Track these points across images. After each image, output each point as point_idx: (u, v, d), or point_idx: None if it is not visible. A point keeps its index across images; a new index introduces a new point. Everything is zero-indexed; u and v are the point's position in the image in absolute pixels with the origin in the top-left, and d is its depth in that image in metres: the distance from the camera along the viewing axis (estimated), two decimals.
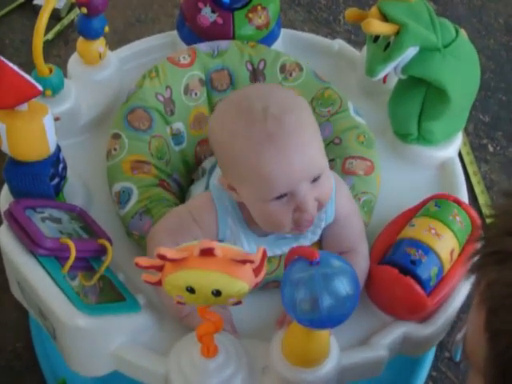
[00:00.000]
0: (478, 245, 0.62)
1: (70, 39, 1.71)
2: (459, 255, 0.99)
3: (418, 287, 0.93)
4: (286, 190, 0.87)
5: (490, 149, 1.63)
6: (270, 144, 0.86)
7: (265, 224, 0.91)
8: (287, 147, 0.86)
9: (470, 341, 0.62)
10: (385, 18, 1.03)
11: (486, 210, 1.51)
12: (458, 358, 0.67)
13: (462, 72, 1.06)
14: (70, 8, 1.76)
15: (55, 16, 1.74)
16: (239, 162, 0.88)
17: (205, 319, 0.80)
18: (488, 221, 0.63)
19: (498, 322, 0.58)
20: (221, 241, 0.94)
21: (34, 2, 1.76)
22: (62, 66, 1.20)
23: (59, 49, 1.71)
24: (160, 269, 0.72)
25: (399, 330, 0.95)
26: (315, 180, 0.88)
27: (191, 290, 0.71)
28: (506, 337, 0.57)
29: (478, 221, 1.02)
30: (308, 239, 0.97)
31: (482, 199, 1.54)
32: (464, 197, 1.09)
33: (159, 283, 0.73)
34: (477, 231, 1.01)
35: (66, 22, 1.75)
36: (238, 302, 0.76)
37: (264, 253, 0.71)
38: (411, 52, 1.04)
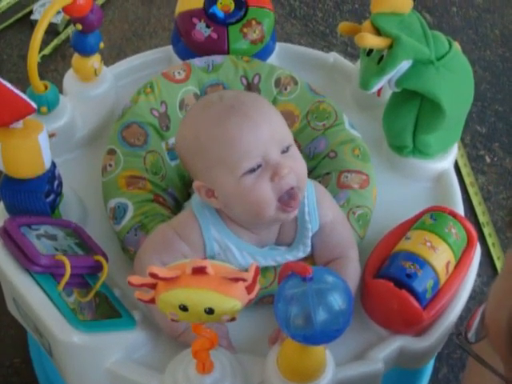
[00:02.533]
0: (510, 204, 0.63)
1: (68, 54, 1.72)
2: (455, 267, 0.99)
3: (413, 300, 0.92)
4: (258, 155, 0.87)
5: (487, 160, 1.64)
6: (232, 113, 0.88)
7: (248, 212, 0.90)
8: (251, 113, 0.88)
9: (495, 305, 0.62)
10: (378, 31, 1.04)
11: (483, 220, 1.52)
12: (474, 340, 0.67)
13: (455, 84, 1.07)
14: (68, 23, 1.77)
15: (53, 31, 1.75)
16: (205, 143, 0.89)
17: (200, 335, 0.80)
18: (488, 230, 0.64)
19: None
20: (211, 257, 0.94)
21: (32, 17, 1.77)
22: (59, 80, 1.21)
23: (56, 63, 1.72)
24: (153, 287, 0.72)
25: (395, 344, 0.95)
26: (284, 152, 0.89)
27: (184, 308, 0.71)
28: None
29: (474, 232, 1.02)
30: (301, 251, 0.97)
31: (479, 210, 1.54)
32: (460, 209, 1.09)
33: (152, 301, 0.74)
34: (472, 243, 1.01)
35: (63, 36, 1.75)
36: (232, 319, 0.75)
37: (257, 270, 0.71)
38: (405, 65, 1.04)
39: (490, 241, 1.49)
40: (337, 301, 0.75)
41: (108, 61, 1.24)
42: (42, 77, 1.09)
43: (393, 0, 1.04)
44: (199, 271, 0.69)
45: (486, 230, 1.51)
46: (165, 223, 0.97)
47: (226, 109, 0.89)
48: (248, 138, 0.87)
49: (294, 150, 0.91)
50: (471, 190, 1.57)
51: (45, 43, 1.73)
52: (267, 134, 0.88)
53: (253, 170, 0.88)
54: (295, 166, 0.89)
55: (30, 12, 1.79)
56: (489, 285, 1.41)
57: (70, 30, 1.75)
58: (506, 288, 0.61)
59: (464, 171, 1.60)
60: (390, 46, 1.03)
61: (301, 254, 0.97)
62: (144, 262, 0.91)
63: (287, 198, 0.89)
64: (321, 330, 0.75)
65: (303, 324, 0.75)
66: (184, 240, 0.93)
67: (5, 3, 1.81)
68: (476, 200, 1.55)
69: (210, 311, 0.72)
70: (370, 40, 1.01)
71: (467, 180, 1.59)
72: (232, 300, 0.71)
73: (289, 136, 0.92)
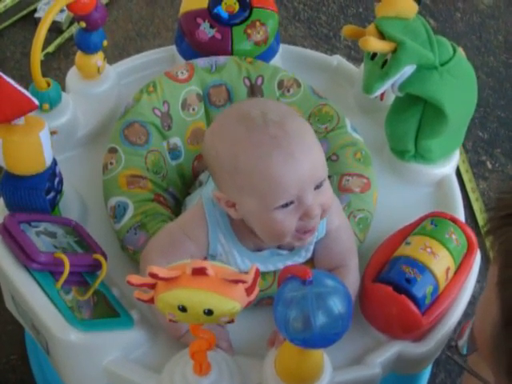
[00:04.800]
0: (490, 213, 0.64)
1: (71, 52, 1.72)
2: (455, 274, 0.99)
3: (412, 306, 0.92)
4: (295, 195, 0.86)
5: (489, 166, 1.63)
6: (275, 147, 0.85)
7: (267, 235, 0.90)
8: (293, 150, 0.85)
9: (480, 317, 0.64)
10: (382, 35, 1.04)
11: (484, 226, 1.51)
12: (465, 352, 0.69)
13: (459, 90, 1.07)
14: (71, 21, 1.77)
15: (56, 29, 1.75)
16: (242, 171, 0.86)
17: (197, 336, 0.79)
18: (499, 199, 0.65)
19: (508, 270, 0.60)
20: (212, 256, 0.94)
21: (36, 15, 1.77)
22: (62, 78, 1.21)
23: (60, 62, 1.72)
24: (152, 287, 0.72)
25: (393, 349, 0.95)
26: (318, 187, 0.88)
27: (183, 309, 0.71)
28: None
29: (474, 239, 1.01)
30: (302, 257, 0.96)
31: (480, 216, 1.53)
32: (460, 215, 1.09)
33: (151, 301, 0.73)
34: (472, 249, 1.01)
35: (66, 35, 1.75)
36: (231, 321, 0.75)
37: (257, 272, 0.71)
38: (408, 70, 1.04)
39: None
40: (336, 305, 0.75)
41: (111, 60, 1.24)
42: (45, 75, 1.09)
43: (398, 4, 1.04)
44: (199, 272, 0.69)
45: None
46: (171, 223, 0.97)
47: (269, 140, 0.85)
48: (288, 178, 0.85)
49: (326, 183, 0.90)
50: (472, 196, 1.56)
51: (48, 41, 1.73)
52: (307, 173, 0.86)
53: (285, 206, 0.87)
54: (324, 202, 0.89)
55: (34, 10, 1.79)
56: None
57: (74, 28, 1.75)
58: (487, 301, 0.62)
59: (465, 177, 1.60)
60: (394, 51, 1.03)
61: (301, 260, 0.97)
62: (148, 262, 0.90)
63: (307, 232, 0.89)
64: (320, 334, 0.75)
65: (302, 327, 0.75)
66: (190, 237, 0.93)
67: (9, 1, 1.81)
68: (477, 206, 1.55)
69: (208, 312, 0.71)
70: (374, 44, 1.01)
71: (468, 186, 1.58)
72: (231, 302, 0.71)
73: (325, 171, 0.89)
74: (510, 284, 0.60)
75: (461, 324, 0.71)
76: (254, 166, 0.85)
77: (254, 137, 0.85)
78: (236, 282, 0.70)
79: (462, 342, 0.69)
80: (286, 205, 0.86)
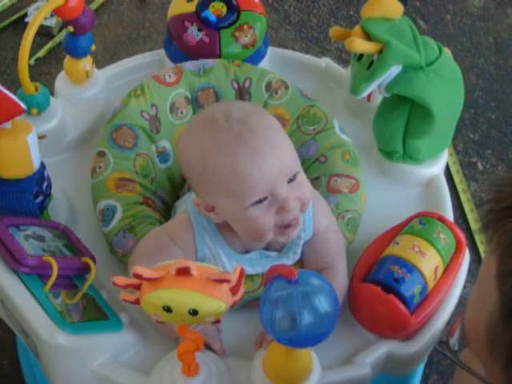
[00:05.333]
0: (488, 205, 0.63)
1: (62, 57, 1.71)
2: (443, 273, 0.99)
3: (401, 305, 0.92)
4: (266, 190, 0.86)
5: (480, 167, 1.64)
6: (240, 145, 0.85)
7: (247, 234, 0.90)
8: (259, 146, 0.85)
9: (473, 311, 0.64)
10: (368, 36, 1.04)
11: (475, 227, 1.52)
12: (456, 348, 0.69)
13: (445, 90, 1.07)
14: (62, 26, 1.77)
15: (47, 33, 1.75)
16: (212, 173, 0.87)
17: (185, 337, 0.79)
18: (498, 187, 0.65)
19: (509, 261, 0.59)
20: (201, 260, 0.94)
21: (26, 20, 1.77)
22: (53, 83, 1.21)
23: (50, 66, 1.72)
24: (138, 287, 0.72)
25: (383, 349, 0.95)
26: (292, 180, 0.88)
27: (168, 309, 0.71)
28: None
29: (462, 238, 1.02)
30: (290, 258, 0.96)
31: (471, 217, 1.54)
32: (449, 214, 1.09)
33: (137, 302, 0.73)
34: (461, 248, 1.01)
35: (57, 39, 1.76)
36: (217, 321, 0.75)
37: (241, 272, 0.71)
38: (395, 70, 1.04)
39: (481, 248, 1.49)
40: (322, 304, 0.75)
41: (102, 64, 1.25)
42: (35, 79, 1.09)
43: (383, 5, 1.05)
44: (183, 272, 0.69)
45: (478, 237, 1.51)
46: (158, 228, 0.97)
47: (234, 138, 0.86)
48: (257, 174, 0.85)
49: (301, 176, 0.90)
50: (463, 197, 1.57)
51: (39, 46, 1.74)
52: (276, 168, 0.86)
53: (259, 202, 0.87)
54: (301, 194, 0.89)
55: (25, 15, 1.79)
56: None
57: (65, 33, 1.75)
58: (482, 294, 0.62)
59: (456, 178, 1.60)
60: (380, 51, 1.03)
61: (289, 262, 0.97)
62: (136, 266, 0.90)
63: (287, 225, 0.89)
64: (306, 333, 0.75)
65: (288, 327, 0.75)
66: (178, 245, 0.93)
67: None
68: (468, 207, 1.55)
69: (193, 312, 0.71)
70: (360, 45, 1.01)
71: (459, 187, 1.59)
72: (216, 301, 0.71)
73: (296, 163, 0.89)
74: (511, 276, 0.59)
75: (451, 321, 0.72)
76: (222, 166, 0.86)
77: (219, 138, 0.86)
78: (220, 281, 0.70)
79: (454, 339, 0.69)
80: (260, 201, 0.87)
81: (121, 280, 0.71)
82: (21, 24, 1.78)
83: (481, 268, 0.65)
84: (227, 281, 0.70)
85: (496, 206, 0.63)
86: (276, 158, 0.86)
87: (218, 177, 0.86)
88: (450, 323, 0.75)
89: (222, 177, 0.86)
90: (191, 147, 0.89)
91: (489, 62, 1.82)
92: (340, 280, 0.95)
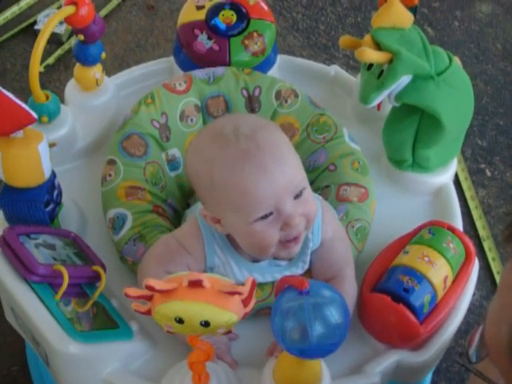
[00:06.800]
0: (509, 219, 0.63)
1: (71, 64, 1.73)
2: (453, 282, 0.99)
3: (410, 315, 0.92)
4: (271, 206, 0.86)
5: (488, 173, 1.64)
6: (247, 160, 0.86)
7: (251, 248, 0.91)
8: (266, 162, 0.86)
9: (494, 320, 0.63)
10: (378, 46, 1.04)
11: (483, 234, 1.52)
12: (474, 359, 0.68)
13: (455, 99, 1.07)
14: (71, 33, 1.78)
15: (56, 41, 1.76)
16: (218, 187, 0.87)
17: (196, 347, 0.80)
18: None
19: None
20: (210, 268, 0.94)
21: (36, 27, 1.78)
22: (62, 90, 1.22)
23: (60, 73, 1.73)
24: (149, 298, 0.73)
25: (392, 358, 0.95)
26: (298, 196, 0.88)
27: (180, 321, 0.72)
28: None
29: (472, 247, 1.02)
30: (300, 268, 0.97)
31: (480, 224, 1.54)
32: (459, 224, 1.09)
33: (149, 313, 0.74)
34: (470, 258, 1.01)
35: (66, 46, 1.77)
36: (228, 332, 0.76)
37: (253, 284, 0.71)
38: (405, 80, 1.05)
39: (490, 255, 1.49)
40: (333, 315, 0.75)
41: (111, 72, 1.25)
42: (44, 86, 1.10)
43: (393, 15, 1.05)
44: (195, 284, 0.69)
45: (486, 245, 1.51)
46: (168, 234, 0.97)
47: (241, 154, 0.86)
48: (262, 190, 0.85)
49: (307, 193, 0.90)
50: (471, 204, 1.57)
51: (48, 53, 1.74)
52: (282, 184, 0.86)
53: (264, 217, 0.87)
54: (306, 211, 0.89)
55: (34, 22, 1.80)
56: (489, 299, 1.40)
57: (74, 40, 1.75)
58: (504, 303, 0.62)
59: (464, 185, 1.60)
60: (390, 61, 1.03)
61: (299, 271, 0.97)
62: (149, 274, 0.91)
63: (291, 241, 0.89)
64: (317, 344, 0.75)
65: (299, 338, 0.75)
66: (188, 251, 0.93)
67: (9, 13, 1.82)
68: (476, 214, 1.55)
69: (205, 324, 0.72)
70: (370, 55, 1.01)
71: (468, 194, 1.59)
72: (228, 313, 0.71)
73: (303, 180, 0.90)
74: None
75: (470, 332, 0.71)
76: (229, 181, 0.86)
77: (226, 152, 0.87)
78: (232, 293, 0.70)
79: (472, 350, 0.69)
80: (266, 216, 0.87)
81: (133, 291, 0.72)
82: (30, 31, 1.79)
83: (502, 277, 0.64)
84: (239, 293, 0.70)
85: None
86: (282, 174, 0.86)
87: (224, 191, 0.87)
88: (467, 334, 0.74)
89: (227, 191, 0.87)
90: (199, 160, 0.90)
91: (497, 68, 1.82)
92: (348, 287, 0.95)
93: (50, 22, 1.04)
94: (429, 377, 1.24)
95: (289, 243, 0.90)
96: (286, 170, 0.87)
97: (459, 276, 0.99)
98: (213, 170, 0.87)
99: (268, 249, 0.89)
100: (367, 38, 1.04)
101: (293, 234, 0.89)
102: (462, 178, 1.61)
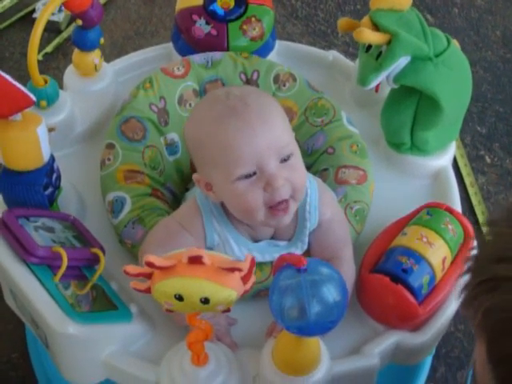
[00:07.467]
0: (467, 278, 0.60)
1: (69, 52, 1.72)
2: (451, 263, 0.99)
3: (409, 295, 0.93)
4: (254, 165, 0.87)
5: (488, 160, 1.64)
6: (233, 116, 0.87)
7: (236, 209, 0.90)
8: (251, 119, 0.87)
9: (479, 374, 0.61)
10: (376, 27, 1.04)
11: (483, 220, 1.52)
12: None
13: (453, 81, 1.07)
14: (70, 21, 1.77)
15: (55, 29, 1.76)
16: (205, 144, 0.89)
17: (194, 327, 0.80)
18: (476, 250, 0.62)
19: (498, 349, 0.57)
20: (210, 248, 0.95)
21: (34, 16, 1.78)
22: (61, 78, 1.21)
23: (58, 61, 1.73)
24: (149, 276, 0.73)
25: (391, 339, 0.95)
26: (285, 160, 0.88)
27: (179, 298, 0.72)
28: (508, 362, 0.56)
29: (470, 228, 1.02)
30: (299, 248, 0.97)
31: (479, 210, 1.54)
32: (457, 205, 1.10)
33: (148, 291, 0.74)
34: (469, 239, 1.01)
35: (65, 35, 1.76)
36: (227, 310, 0.76)
37: (252, 261, 0.71)
38: (403, 61, 1.04)
39: None
40: (331, 292, 0.75)
41: (109, 59, 1.25)
42: (43, 74, 1.10)
43: None
44: (195, 260, 0.69)
45: (486, 230, 1.51)
46: (168, 217, 0.98)
47: (227, 110, 0.87)
48: (242, 146, 0.86)
49: (295, 160, 0.89)
50: (471, 190, 1.57)
51: (47, 41, 1.74)
52: (264, 142, 0.86)
53: (248, 176, 0.87)
54: (293, 177, 0.88)
55: (33, 10, 1.80)
56: None
57: (72, 28, 1.75)
58: (482, 356, 0.59)
59: (464, 171, 1.60)
60: (389, 42, 1.03)
61: (298, 251, 0.97)
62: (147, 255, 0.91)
63: (277, 207, 0.89)
64: (315, 322, 0.75)
65: (297, 315, 0.75)
66: (188, 230, 0.93)
67: (7, 2, 1.82)
68: (475, 200, 1.55)
69: (205, 301, 0.72)
70: (368, 35, 1.01)
71: (467, 180, 1.59)
72: (227, 290, 0.71)
73: (291, 144, 0.89)
74: (504, 364, 0.56)
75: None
76: (214, 137, 0.87)
77: (214, 110, 0.89)
78: (232, 270, 0.70)
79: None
80: (249, 176, 0.87)
81: (132, 269, 0.72)
82: (28, 20, 1.79)
83: (474, 352, 0.62)
84: (239, 269, 0.70)
85: (473, 281, 0.59)
86: (267, 132, 0.87)
87: (210, 147, 0.88)
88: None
89: (213, 147, 0.88)
90: (191, 121, 0.93)
91: (496, 55, 1.82)
92: (346, 269, 0.95)
93: (48, 5, 1.04)
94: (428, 362, 1.24)
95: (277, 211, 0.89)
96: (272, 129, 0.87)
97: (458, 257, 0.99)
98: (201, 126, 0.90)
99: (254, 212, 0.88)
100: (365, 19, 1.04)
101: (276, 199, 0.88)
102: (461, 164, 1.61)
